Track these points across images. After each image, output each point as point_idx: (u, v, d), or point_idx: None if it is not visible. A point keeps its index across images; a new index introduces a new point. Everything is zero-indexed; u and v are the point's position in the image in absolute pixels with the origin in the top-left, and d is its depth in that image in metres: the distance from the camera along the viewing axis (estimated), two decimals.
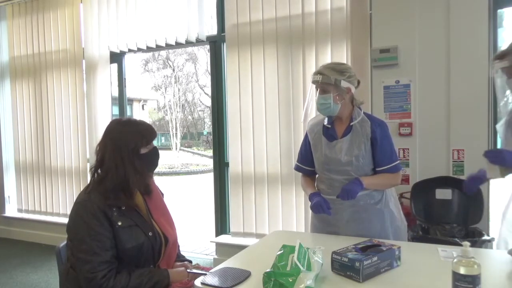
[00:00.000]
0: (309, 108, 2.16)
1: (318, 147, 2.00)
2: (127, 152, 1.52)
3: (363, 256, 1.36)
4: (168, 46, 4.02)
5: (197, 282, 1.40)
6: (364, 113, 1.95)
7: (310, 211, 3.21)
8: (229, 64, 3.58)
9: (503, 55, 1.64)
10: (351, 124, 1.93)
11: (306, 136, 2.11)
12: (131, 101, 20.87)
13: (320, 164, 2.00)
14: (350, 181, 1.88)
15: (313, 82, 1.94)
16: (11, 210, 4.94)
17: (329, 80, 1.86)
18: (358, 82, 1.98)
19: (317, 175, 2.10)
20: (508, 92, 1.72)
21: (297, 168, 2.16)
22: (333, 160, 1.93)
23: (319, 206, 1.89)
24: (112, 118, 4.14)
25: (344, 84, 1.88)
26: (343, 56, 3.12)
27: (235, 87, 3.56)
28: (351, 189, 1.83)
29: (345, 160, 1.90)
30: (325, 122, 2.00)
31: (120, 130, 1.57)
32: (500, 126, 1.82)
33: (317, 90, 1.92)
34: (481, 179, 1.78)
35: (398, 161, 1.96)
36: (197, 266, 1.73)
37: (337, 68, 1.90)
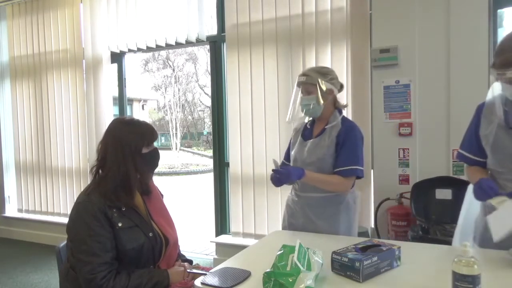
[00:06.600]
0: (294, 109, 2.14)
1: (293, 146, 2.10)
2: (129, 151, 1.53)
3: (363, 256, 1.36)
4: (168, 46, 4.02)
5: (197, 282, 1.40)
6: (343, 117, 2.01)
7: None
8: (229, 64, 3.58)
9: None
10: (326, 126, 2.00)
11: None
12: (131, 101, 20.88)
13: (291, 163, 2.10)
14: (293, 167, 1.97)
15: (298, 83, 2.02)
16: (11, 210, 4.94)
17: (313, 80, 1.95)
18: (341, 86, 2.06)
19: None
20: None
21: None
22: (299, 160, 2.02)
23: None
24: (114, 118, 4.15)
25: (326, 85, 1.96)
26: (343, 56, 3.12)
27: (235, 87, 3.56)
28: (288, 174, 1.82)
29: (309, 160, 1.97)
30: (306, 122, 2.10)
31: (123, 129, 1.58)
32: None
33: (301, 92, 2.01)
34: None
35: (357, 168, 1.90)
36: (197, 266, 1.73)
37: (321, 71, 2.00)
